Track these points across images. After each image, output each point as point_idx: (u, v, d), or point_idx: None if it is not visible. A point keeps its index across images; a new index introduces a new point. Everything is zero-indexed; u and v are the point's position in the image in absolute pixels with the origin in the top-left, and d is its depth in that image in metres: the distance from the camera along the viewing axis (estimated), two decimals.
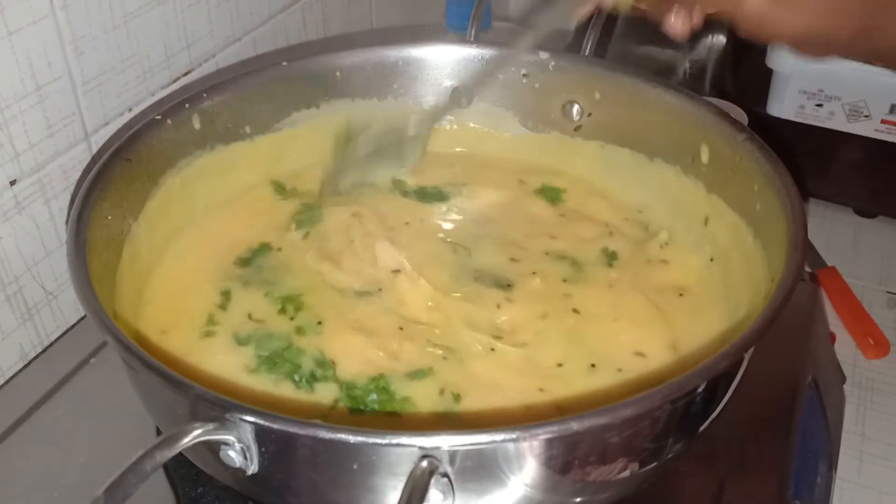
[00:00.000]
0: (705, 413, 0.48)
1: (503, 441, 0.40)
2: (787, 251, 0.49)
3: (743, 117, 0.80)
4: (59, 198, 0.64)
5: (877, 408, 0.81)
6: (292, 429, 0.40)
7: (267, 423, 0.40)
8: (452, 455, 0.40)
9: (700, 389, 0.45)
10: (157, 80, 0.71)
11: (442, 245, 0.64)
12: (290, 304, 0.59)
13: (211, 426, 0.40)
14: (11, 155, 0.60)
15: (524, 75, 0.69)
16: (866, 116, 0.93)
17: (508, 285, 0.61)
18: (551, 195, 0.69)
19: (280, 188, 0.69)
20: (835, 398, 0.71)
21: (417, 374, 0.54)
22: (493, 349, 0.56)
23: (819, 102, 0.94)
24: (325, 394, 0.53)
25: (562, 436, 0.40)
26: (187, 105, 0.62)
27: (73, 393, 0.61)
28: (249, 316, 0.58)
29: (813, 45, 0.51)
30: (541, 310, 0.59)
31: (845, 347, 0.86)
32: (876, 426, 0.80)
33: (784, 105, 0.96)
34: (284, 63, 0.67)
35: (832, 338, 0.83)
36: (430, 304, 0.59)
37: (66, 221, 0.53)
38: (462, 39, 0.72)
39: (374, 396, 0.53)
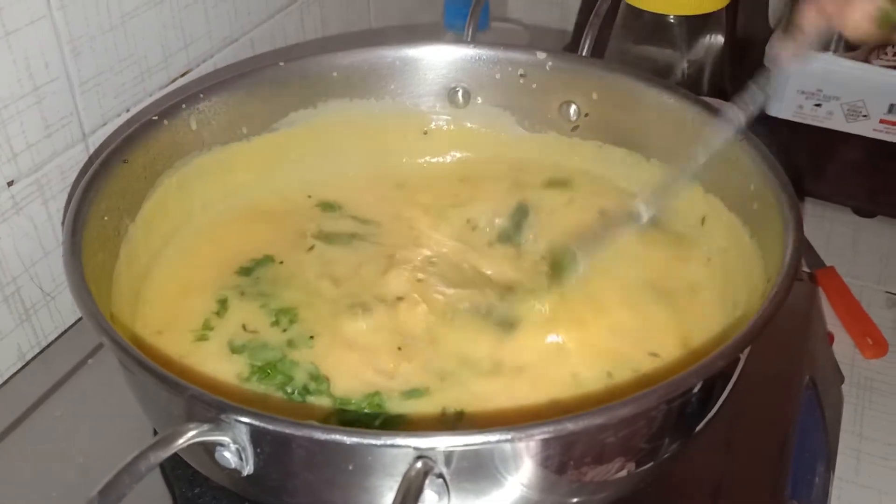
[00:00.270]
0: (702, 413, 0.48)
1: (498, 442, 0.40)
2: (783, 251, 0.49)
3: (739, 118, 0.80)
4: (56, 198, 0.64)
5: (875, 407, 0.81)
6: (288, 430, 0.40)
7: (262, 424, 0.40)
8: (448, 456, 0.40)
9: (696, 389, 0.45)
10: (155, 81, 0.71)
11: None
12: (283, 316, 0.58)
13: (206, 427, 0.40)
14: (9, 155, 0.60)
15: (521, 75, 0.69)
16: (865, 116, 0.93)
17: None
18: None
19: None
20: (833, 398, 0.71)
21: (414, 393, 0.53)
22: (497, 370, 0.55)
23: (817, 102, 0.94)
24: (318, 407, 0.53)
25: (557, 436, 0.40)
26: (184, 106, 0.62)
27: (70, 394, 0.61)
28: (244, 327, 0.58)
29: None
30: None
31: (844, 347, 0.86)
32: (874, 426, 0.79)
33: (782, 105, 0.96)
34: (281, 63, 0.67)
35: (830, 337, 0.83)
36: (428, 326, 0.58)
37: (62, 222, 0.53)
38: (460, 39, 0.71)
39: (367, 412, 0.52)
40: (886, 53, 0.88)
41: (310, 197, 0.69)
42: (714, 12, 0.86)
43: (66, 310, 0.67)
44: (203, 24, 0.74)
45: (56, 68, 0.62)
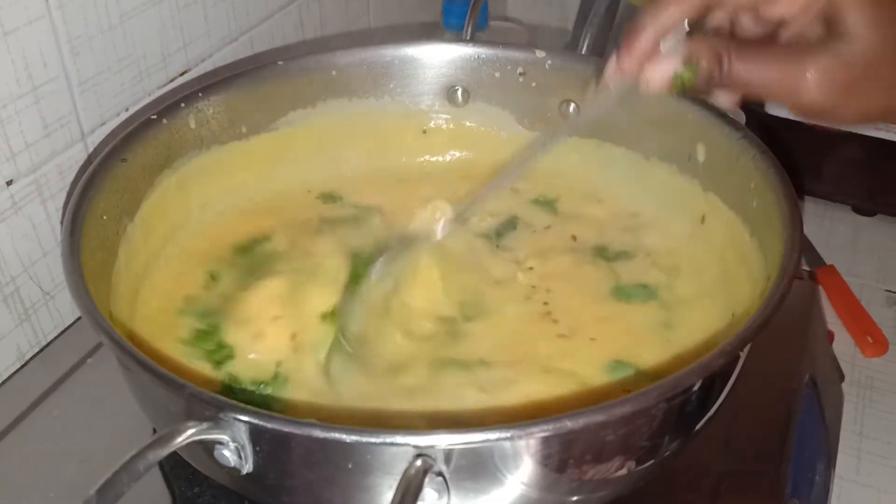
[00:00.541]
0: (702, 411, 0.48)
1: (498, 440, 0.40)
2: (783, 249, 0.49)
3: (740, 116, 0.80)
4: (55, 198, 0.64)
5: (875, 406, 0.81)
6: (286, 428, 0.40)
7: (261, 423, 0.40)
8: (447, 454, 0.40)
9: (696, 387, 0.45)
10: (154, 81, 0.71)
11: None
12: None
13: (205, 425, 0.40)
14: (7, 155, 0.60)
15: (521, 74, 0.69)
16: None
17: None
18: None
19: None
20: (833, 397, 0.71)
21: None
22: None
23: None
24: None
25: (557, 434, 0.40)
26: (183, 104, 0.62)
27: (70, 393, 0.61)
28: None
29: (868, 120, 0.50)
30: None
31: (844, 346, 0.86)
32: (874, 424, 0.79)
33: None
34: (280, 62, 0.67)
35: (831, 336, 0.83)
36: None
37: (61, 221, 0.53)
38: (459, 39, 0.71)
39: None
40: None
41: (309, 191, 0.70)
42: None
43: (65, 309, 0.67)
44: (202, 24, 0.74)
45: (55, 68, 0.62)
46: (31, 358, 0.65)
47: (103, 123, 0.67)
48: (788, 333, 0.65)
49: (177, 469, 0.54)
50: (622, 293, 0.61)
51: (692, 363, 0.43)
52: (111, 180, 0.56)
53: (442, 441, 0.39)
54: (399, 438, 0.39)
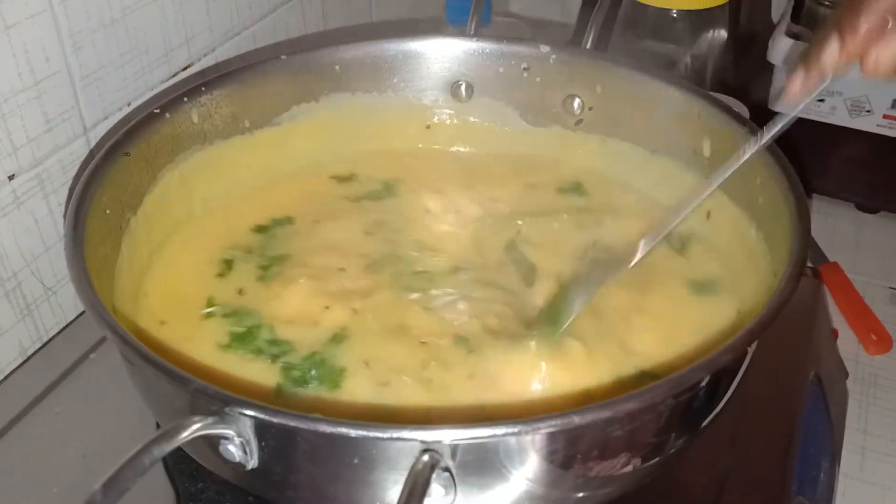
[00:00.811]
0: (709, 408, 0.48)
1: (505, 435, 0.39)
2: (791, 245, 0.49)
3: (744, 112, 0.79)
4: (57, 193, 0.64)
5: (879, 404, 0.81)
6: (292, 423, 0.40)
7: (267, 417, 0.40)
8: (454, 449, 0.39)
9: (703, 384, 0.44)
10: (157, 75, 0.70)
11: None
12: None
13: (210, 420, 0.40)
14: (9, 150, 0.59)
15: (525, 69, 0.69)
16: (868, 111, 0.92)
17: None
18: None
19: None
20: (838, 394, 0.71)
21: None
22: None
23: (821, 97, 0.94)
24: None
25: (564, 429, 0.40)
26: (185, 99, 0.62)
27: (72, 388, 0.60)
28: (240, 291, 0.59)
29: None
30: None
31: (848, 343, 0.85)
32: (878, 422, 0.79)
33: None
34: (283, 57, 0.67)
35: (835, 333, 0.83)
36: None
37: (64, 216, 0.53)
38: (462, 33, 0.71)
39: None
40: None
41: (318, 176, 0.70)
42: (717, 7, 0.86)
43: (68, 304, 0.67)
44: (204, 18, 0.74)
45: (57, 62, 0.61)
46: (34, 353, 0.65)
47: (105, 118, 0.67)
48: (793, 331, 0.65)
49: (180, 464, 0.53)
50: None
51: (699, 359, 0.43)
52: (114, 174, 0.55)
53: (449, 436, 0.39)
54: (406, 433, 0.39)
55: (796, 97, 0.50)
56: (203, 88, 0.63)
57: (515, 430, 0.39)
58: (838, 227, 0.99)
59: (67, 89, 0.63)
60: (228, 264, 0.61)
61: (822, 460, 0.62)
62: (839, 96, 0.93)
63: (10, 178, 0.60)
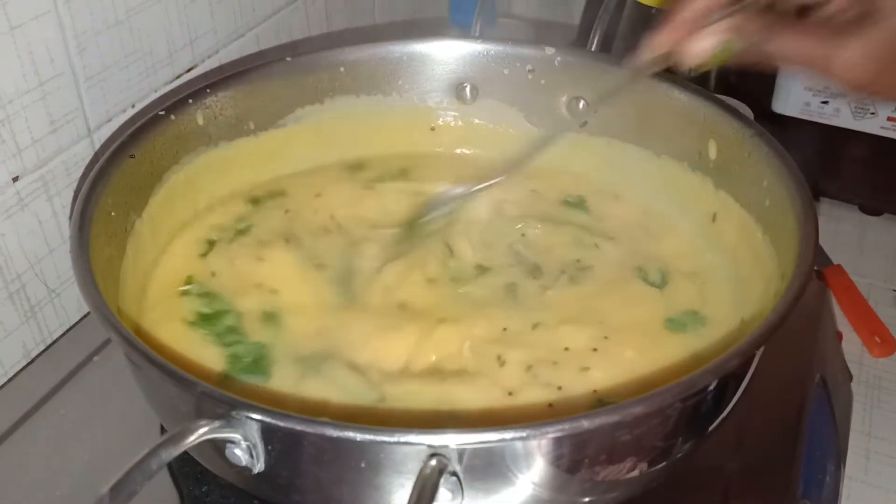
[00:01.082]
0: (716, 412, 0.47)
1: (513, 439, 0.39)
2: (798, 247, 0.49)
3: (748, 114, 0.79)
4: (61, 194, 0.64)
5: (883, 406, 0.81)
6: (299, 427, 0.39)
7: (273, 421, 0.39)
8: (461, 453, 0.39)
9: (711, 387, 0.44)
10: (161, 77, 0.70)
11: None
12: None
13: (217, 424, 0.40)
14: (14, 151, 0.59)
15: (530, 71, 0.69)
16: (872, 114, 0.92)
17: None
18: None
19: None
20: (843, 397, 0.71)
21: None
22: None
23: (825, 99, 0.94)
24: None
25: (572, 434, 0.40)
26: (190, 101, 0.62)
27: (76, 391, 0.60)
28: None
29: None
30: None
31: (852, 346, 0.85)
32: (883, 425, 0.79)
33: (789, 102, 0.95)
34: (288, 59, 0.67)
35: (839, 336, 0.83)
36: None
37: (70, 217, 0.53)
38: (467, 35, 0.71)
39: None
40: None
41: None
42: None
43: (72, 307, 0.67)
44: (208, 20, 0.74)
45: (61, 63, 0.61)
46: (37, 356, 0.64)
47: (110, 120, 0.66)
48: (799, 333, 0.64)
49: (185, 468, 0.53)
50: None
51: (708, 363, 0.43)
52: (119, 176, 0.55)
53: (456, 440, 0.39)
54: (413, 437, 0.39)
55: (636, 68, 0.55)
56: (208, 90, 0.63)
57: (523, 434, 0.39)
58: (842, 230, 0.99)
59: (72, 90, 0.62)
60: (211, 244, 0.63)
61: (827, 463, 0.62)
62: (843, 98, 0.93)
63: (15, 179, 0.60)
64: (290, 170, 0.69)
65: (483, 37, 0.71)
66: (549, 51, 0.68)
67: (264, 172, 0.68)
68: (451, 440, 0.39)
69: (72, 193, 0.64)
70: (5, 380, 0.62)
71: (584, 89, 0.68)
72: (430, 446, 0.39)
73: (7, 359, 0.62)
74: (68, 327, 0.66)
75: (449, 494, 0.40)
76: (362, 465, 0.40)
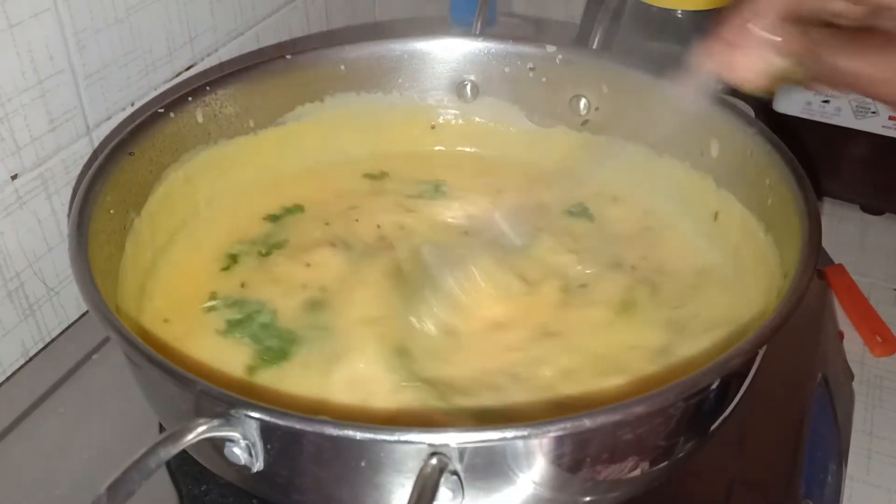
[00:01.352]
0: (718, 411, 0.47)
1: (514, 438, 0.39)
2: (801, 246, 0.49)
3: (750, 113, 0.79)
4: (60, 193, 0.63)
5: (885, 406, 0.80)
6: (298, 425, 0.39)
7: (273, 420, 0.39)
8: (462, 452, 0.39)
9: (714, 386, 0.44)
10: (160, 75, 0.70)
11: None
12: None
13: (216, 422, 0.39)
14: (13, 149, 0.59)
15: (531, 69, 0.69)
16: (874, 113, 0.92)
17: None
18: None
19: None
20: (845, 396, 0.71)
21: None
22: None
23: (826, 99, 0.93)
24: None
25: (574, 433, 0.40)
26: (190, 98, 0.61)
27: (75, 389, 0.60)
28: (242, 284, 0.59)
29: None
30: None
31: (853, 345, 0.85)
32: (884, 424, 0.79)
33: (790, 101, 0.95)
34: (288, 56, 0.66)
35: (840, 335, 0.82)
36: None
37: (68, 215, 0.53)
38: (467, 33, 0.71)
39: None
40: None
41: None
42: (723, 7, 0.85)
43: (70, 305, 0.66)
44: (208, 18, 0.74)
45: (60, 61, 0.61)
46: (36, 354, 0.64)
47: (109, 118, 0.66)
48: (801, 333, 0.64)
49: (183, 466, 0.53)
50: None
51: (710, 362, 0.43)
52: (118, 174, 0.55)
53: (457, 439, 0.38)
54: (413, 436, 0.38)
55: (688, 95, 0.51)
56: (208, 88, 0.62)
57: (525, 433, 0.39)
58: (843, 229, 0.98)
59: (71, 88, 0.62)
60: (234, 258, 0.62)
61: (829, 463, 0.62)
62: (844, 97, 0.92)
63: (14, 177, 0.60)
64: (291, 168, 0.69)
65: (484, 35, 0.70)
66: (551, 49, 0.68)
67: (264, 171, 0.68)
68: (452, 439, 0.38)
69: (71, 192, 0.64)
70: (4, 378, 0.62)
71: (585, 87, 0.68)
72: (430, 445, 0.38)
73: (5, 357, 0.62)
74: (67, 326, 0.66)
75: (450, 494, 0.40)
76: (362, 464, 0.40)
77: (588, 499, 0.46)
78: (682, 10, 0.85)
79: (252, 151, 0.66)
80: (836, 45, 0.43)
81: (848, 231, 0.98)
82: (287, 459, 0.41)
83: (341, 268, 0.60)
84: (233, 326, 0.56)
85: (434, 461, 0.38)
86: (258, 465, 0.41)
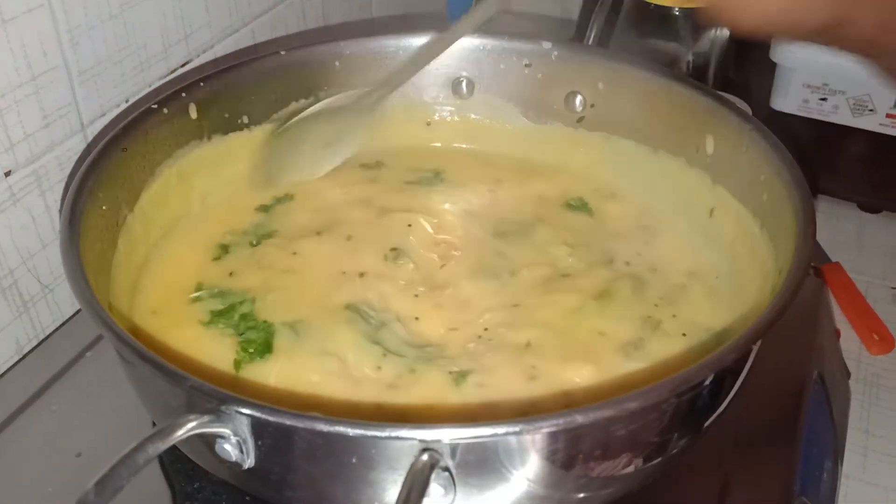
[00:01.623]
0: (711, 407, 0.47)
1: (506, 434, 0.39)
2: (796, 242, 0.49)
3: (747, 110, 0.79)
4: (54, 189, 0.63)
5: (881, 404, 0.80)
6: (289, 421, 0.39)
7: (263, 416, 0.39)
8: (454, 448, 0.39)
9: (707, 382, 0.44)
10: (155, 72, 0.70)
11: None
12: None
13: (206, 418, 0.39)
14: (6, 146, 0.59)
15: (527, 65, 0.69)
16: (871, 111, 0.92)
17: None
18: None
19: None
20: (840, 394, 0.70)
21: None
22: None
23: (823, 96, 0.93)
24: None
25: (566, 429, 0.40)
26: (184, 94, 0.61)
27: (69, 386, 0.60)
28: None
29: (778, 29, 0.48)
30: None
31: (849, 343, 0.85)
32: (880, 422, 0.79)
33: (788, 99, 0.95)
34: (283, 53, 0.66)
35: (837, 333, 0.82)
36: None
37: (60, 211, 0.53)
38: None
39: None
40: None
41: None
42: None
43: (64, 302, 0.66)
44: (203, 15, 0.73)
45: (54, 57, 0.61)
46: (30, 351, 0.64)
47: (103, 114, 0.66)
48: (797, 330, 0.64)
49: (176, 464, 0.53)
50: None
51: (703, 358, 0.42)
52: (111, 170, 0.55)
53: (448, 435, 0.38)
54: (404, 432, 0.38)
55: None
56: (201, 84, 0.62)
57: (517, 429, 0.39)
58: (840, 227, 0.98)
59: (65, 85, 0.62)
60: (225, 248, 0.62)
61: (824, 460, 0.62)
62: (842, 95, 0.92)
63: (7, 174, 0.59)
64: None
65: (479, 31, 0.70)
66: (546, 45, 0.68)
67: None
68: (444, 435, 0.38)
69: (64, 188, 0.64)
70: None
71: (581, 84, 0.68)
72: (421, 441, 0.38)
73: None
74: (61, 323, 0.66)
75: (441, 490, 0.39)
76: (354, 460, 0.40)
77: (581, 495, 0.45)
78: (678, 8, 0.85)
79: (246, 148, 0.66)
80: None
81: (845, 229, 0.98)
82: (278, 456, 0.41)
83: (327, 254, 0.61)
84: (216, 317, 0.56)
85: (425, 457, 0.38)
86: (249, 462, 0.41)
